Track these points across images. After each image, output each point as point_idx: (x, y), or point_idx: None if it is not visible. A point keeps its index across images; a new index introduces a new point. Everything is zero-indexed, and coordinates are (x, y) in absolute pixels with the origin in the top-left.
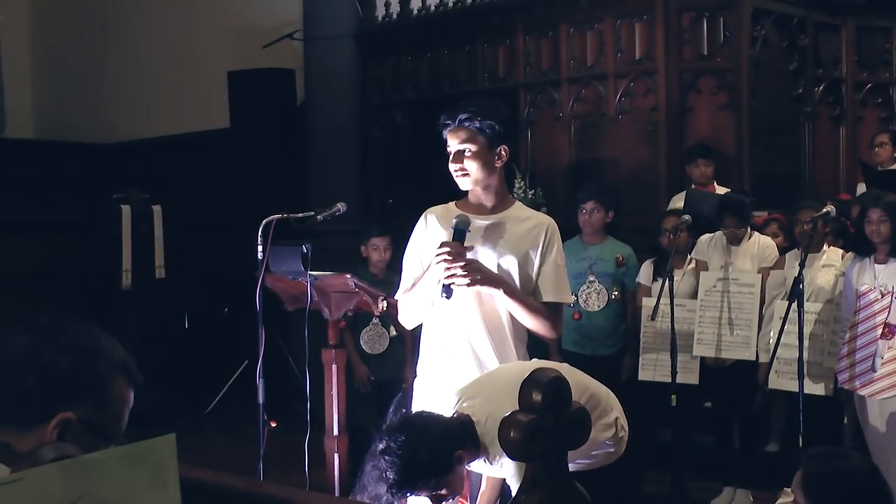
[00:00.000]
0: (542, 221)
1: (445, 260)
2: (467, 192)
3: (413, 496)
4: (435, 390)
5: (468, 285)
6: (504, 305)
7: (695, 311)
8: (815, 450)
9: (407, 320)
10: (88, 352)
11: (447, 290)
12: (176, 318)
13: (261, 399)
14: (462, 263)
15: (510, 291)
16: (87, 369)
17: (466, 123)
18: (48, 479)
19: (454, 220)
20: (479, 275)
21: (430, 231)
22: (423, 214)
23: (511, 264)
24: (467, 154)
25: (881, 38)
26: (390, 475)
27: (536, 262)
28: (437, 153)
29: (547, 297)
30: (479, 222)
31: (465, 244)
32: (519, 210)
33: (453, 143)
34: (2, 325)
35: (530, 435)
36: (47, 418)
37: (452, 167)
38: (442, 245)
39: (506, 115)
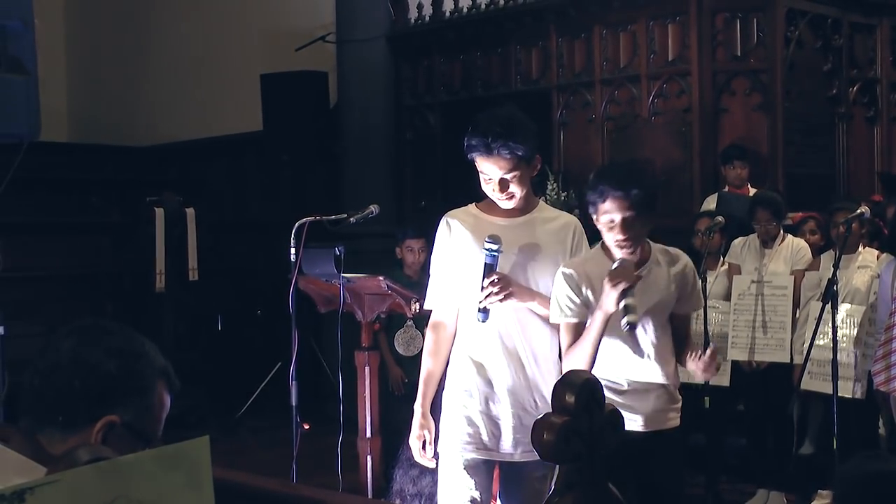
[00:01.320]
0: (569, 222)
1: (489, 289)
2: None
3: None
4: (467, 401)
5: (502, 300)
6: (537, 314)
7: (727, 313)
8: (856, 455)
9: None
10: (134, 356)
11: (485, 313)
12: (209, 320)
13: (294, 401)
14: (495, 280)
15: (543, 302)
16: (133, 373)
17: (507, 154)
18: (84, 481)
19: (486, 246)
20: (511, 287)
21: (455, 239)
22: (445, 220)
23: (542, 265)
24: (512, 180)
25: None
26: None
27: (560, 259)
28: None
29: None
30: (507, 224)
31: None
32: (545, 210)
33: (493, 171)
34: (41, 327)
35: (564, 437)
36: (92, 421)
37: (497, 195)
38: (490, 281)
39: (535, 128)
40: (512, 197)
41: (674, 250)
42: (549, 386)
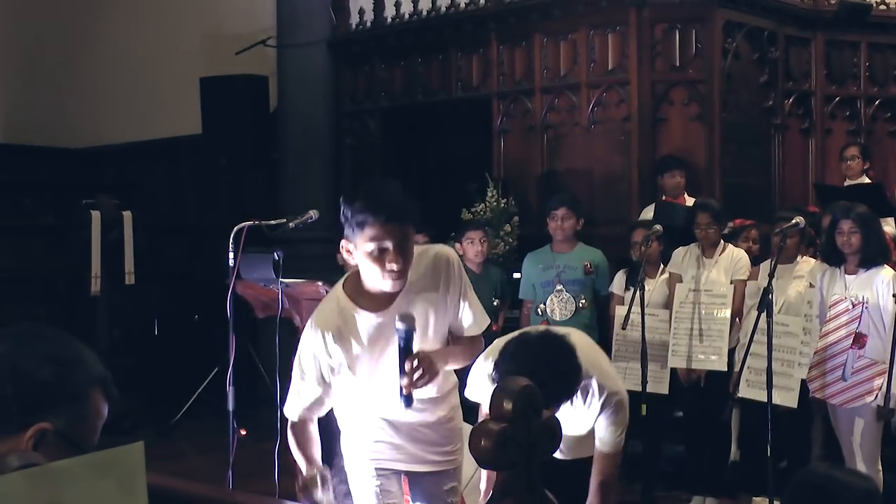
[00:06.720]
0: (444, 265)
1: (412, 374)
2: (356, 279)
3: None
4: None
5: (428, 382)
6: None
7: (666, 321)
8: (816, 464)
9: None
10: (70, 363)
11: (408, 400)
12: (145, 324)
13: (231, 407)
14: (417, 367)
15: (453, 356)
16: (68, 381)
17: (402, 217)
18: (14, 488)
19: (399, 328)
20: (434, 368)
21: (336, 353)
22: (318, 332)
23: (437, 321)
24: (404, 251)
25: (850, 52)
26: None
27: (450, 302)
28: (409, 161)
29: (471, 331)
30: (380, 317)
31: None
32: (415, 268)
33: (388, 239)
34: None
35: (502, 444)
36: (23, 428)
37: (390, 266)
38: (411, 363)
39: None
40: (403, 276)
41: None
42: (449, 397)
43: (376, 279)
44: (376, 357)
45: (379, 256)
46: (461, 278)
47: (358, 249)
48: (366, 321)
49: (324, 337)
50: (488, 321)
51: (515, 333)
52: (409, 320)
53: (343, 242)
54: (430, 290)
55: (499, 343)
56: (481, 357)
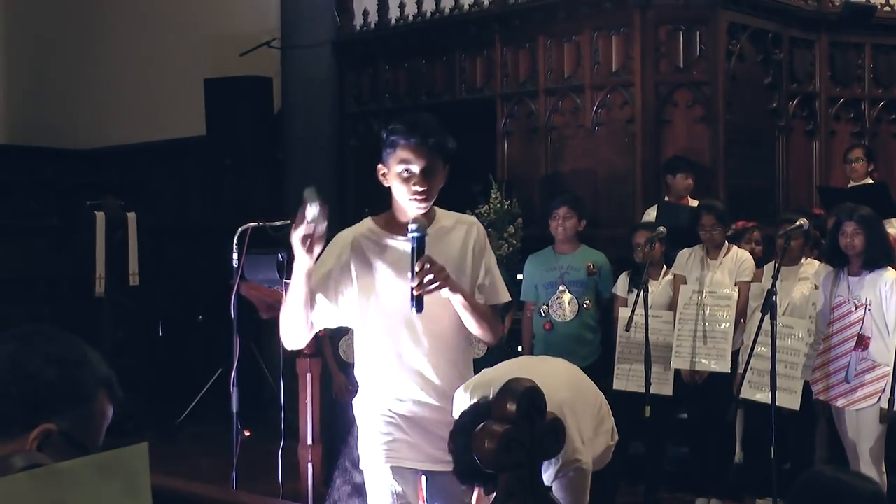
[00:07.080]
0: (469, 224)
1: (423, 275)
2: (388, 207)
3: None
4: (386, 426)
5: (439, 288)
6: (458, 310)
7: (670, 323)
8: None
9: (289, 342)
10: (75, 364)
11: (419, 304)
12: (150, 325)
13: (235, 408)
14: (429, 269)
15: (467, 296)
16: (73, 382)
17: (431, 143)
18: (18, 488)
19: (413, 228)
20: (445, 273)
21: (347, 260)
22: (335, 242)
23: (454, 278)
24: (430, 176)
25: (854, 53)
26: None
27: (470, 266)
28: None
29: (488, 300)
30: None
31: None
32: (442, 219)
33: (415, 162)
34: None
35: (505, 445)
36: (28, 429)
37: (415, 188)
38: (422, 264)
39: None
40: (427, 198)
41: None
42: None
43: (404, 200)
44: (396, 277)
45: (407, 178)
46: (485, 244)
47: (390, 171)
48: (391, 245)
49: (339, 245)
50: (508, 298)
51: (477, 396)
52: (421, 222)
53: (379, 166)
54: (451, 245)
55: (481, 378)
56: (462, 388)
